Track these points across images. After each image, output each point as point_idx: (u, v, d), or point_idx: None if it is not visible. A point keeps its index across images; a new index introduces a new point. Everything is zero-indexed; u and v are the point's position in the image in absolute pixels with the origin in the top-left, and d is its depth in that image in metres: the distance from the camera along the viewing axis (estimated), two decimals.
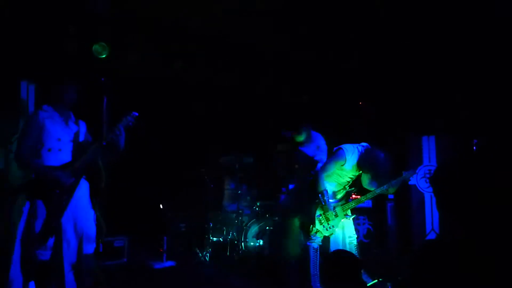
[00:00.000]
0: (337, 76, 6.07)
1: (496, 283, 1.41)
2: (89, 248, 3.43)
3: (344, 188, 4.48)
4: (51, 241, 3.24)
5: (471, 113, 5.53)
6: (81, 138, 3.60)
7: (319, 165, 4.79)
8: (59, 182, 3.25)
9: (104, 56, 5.09)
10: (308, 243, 4.38)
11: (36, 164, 3.31)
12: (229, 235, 6.13)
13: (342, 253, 3.38)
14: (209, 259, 5.97)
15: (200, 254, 6.00)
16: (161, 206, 6.48)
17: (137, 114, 3.48)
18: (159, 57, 5.67)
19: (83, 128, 3.66)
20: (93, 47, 4.90)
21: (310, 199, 4.44)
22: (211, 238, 6.13)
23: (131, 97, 5.14)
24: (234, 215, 6.19)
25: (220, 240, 6.15)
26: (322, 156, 5.02)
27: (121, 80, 4.39)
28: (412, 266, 1.58)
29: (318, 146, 5.07)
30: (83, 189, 3.48)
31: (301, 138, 5.09)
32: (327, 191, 4.31)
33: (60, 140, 3.43)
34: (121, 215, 5.18)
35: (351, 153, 4.31)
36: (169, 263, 5.72)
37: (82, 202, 3.44)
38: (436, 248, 1.58)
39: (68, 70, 4.68)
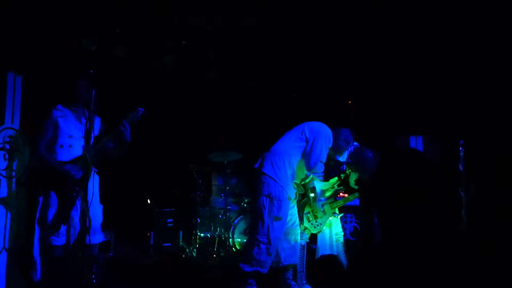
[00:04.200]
0: (327, 75, 6.10)
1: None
2: (95, 238, 3.72)
3: (333, 186, 4.50)
4: (63, 228, 3.54)
5: (458, 113, 5.60)
6: (95, 132, 3.77)
7: None
8: (69, 175, 3.54)
9: (93, 49, 5.05)
10: None
11: (50, 158, 3.61)
12: (217, 231, 6.14)
13: None
14: (196, 254, 5.97)
15: (187, 250, 5.99)
16: (148, 201, 6.45)
17: (142, 110, 3.70)
18: (148, 51, 5.63)
19: (97, 123, 3.87)
20: (83, 40, 4.85)
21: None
22: (199, 234, 6.12)
23: (120, 90, 5.12)
24: (222, 211, 6.19)
25: (208, 236, 6.15)
26: None
27: (110, 72, 4.38)
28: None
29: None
30: (92, 182, 3.69)
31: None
32: (315, 188, 4.33)
33: (72, 137, 3.70)
34: (107, 209, 5.13)
35: None
36: (156, 258, 5.71)
37: (90, 194, 3.63)
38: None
39: (57, 62, 4.66)
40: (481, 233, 3.79)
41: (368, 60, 5.67)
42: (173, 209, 6.44)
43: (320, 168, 3.85)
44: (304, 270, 4.32)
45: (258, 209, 3.86)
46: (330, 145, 4.02)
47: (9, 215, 4.15)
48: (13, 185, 4.23)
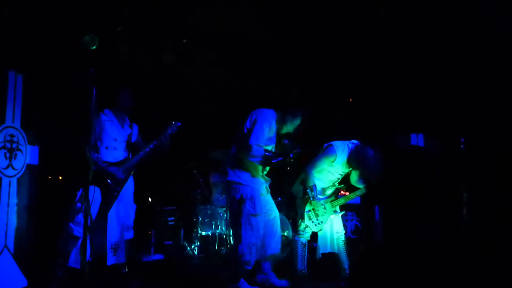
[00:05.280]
0: (328, 73, 6.10)
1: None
2: (128, 234, 4.21)
3: (334, 184, 4.51)
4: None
5: (459, 112, 5.61)
6: (134, 139, 4.30)
7: None
8: (113, 176, 3.98)
9: (94, 47, 5.05)
10: (296, 238, 4.40)
11: (96, 158, 3.91)
12: (218, 229, 6.15)
13: None
14: (197, 253, 5.99)
15: (188, 248, 6.02)
16: (149, 200, 6.46)
17: (180, 124, 4.27)
18: (148, 51, 5.64)
19: (135, 130, 4.33)
20: (84, 38, 4.85)
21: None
22: (200, 232, 6.14)
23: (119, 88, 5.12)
24: (223, 209, 6.20)
25: (209, 234, 6.17)
26: None
27: (111, 71, 4.39)
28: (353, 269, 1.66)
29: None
30: (129, 184, 4.18)
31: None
32: (315, 186, 4.33)
33: (116, 140, 4.13)
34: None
35: (341, 150, 4.33)
36: (157, 257, 5.72)
37: (126, 194, 4.13)
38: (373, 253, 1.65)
39: (57, 60, 4.66)
40: (481, 233, 3.80)
41: (369, 60, 5.67)
42: (174, 207, 6.45)
43: (257, 151, 3.89)
44: (305, 268, 4.35)
45: (235, 216, 4.00)
46: (271, 126, 4.05)
47: (10, 214, 4.17)
48: (14, 184, 4.25)
